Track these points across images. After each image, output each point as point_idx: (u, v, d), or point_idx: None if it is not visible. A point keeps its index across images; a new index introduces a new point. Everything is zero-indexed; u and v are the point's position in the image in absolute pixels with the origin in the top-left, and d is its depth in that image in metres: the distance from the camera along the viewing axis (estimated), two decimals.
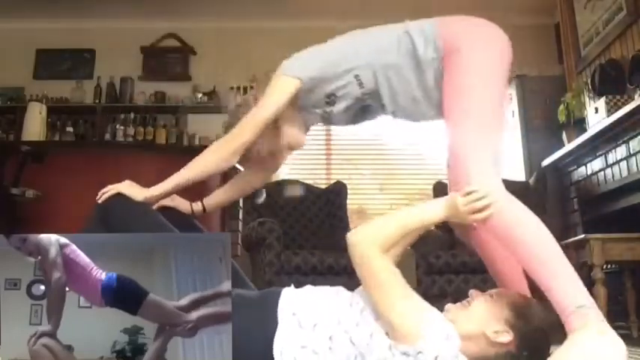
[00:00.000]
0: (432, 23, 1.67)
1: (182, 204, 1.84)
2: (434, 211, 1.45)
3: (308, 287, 1.41)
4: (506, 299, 1.36)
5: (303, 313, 1.31)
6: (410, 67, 1.64)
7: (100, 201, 1.58)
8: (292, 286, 1.42)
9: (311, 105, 1.75)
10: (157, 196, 1.65)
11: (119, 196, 1.57)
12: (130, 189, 1.60)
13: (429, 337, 1.21)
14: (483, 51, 1.59)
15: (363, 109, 1.77)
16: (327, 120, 1.81)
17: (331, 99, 1.72)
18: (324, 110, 1.75)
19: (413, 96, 1.67)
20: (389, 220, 1.43)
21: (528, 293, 1.58)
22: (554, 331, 1.31)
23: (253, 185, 1.98)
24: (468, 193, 1.42)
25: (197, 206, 1.89)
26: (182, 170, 1.68)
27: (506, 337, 1.29)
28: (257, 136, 1.66)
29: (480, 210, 1.42)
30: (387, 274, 1.31)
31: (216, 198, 1.93)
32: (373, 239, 1.34)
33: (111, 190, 1.59)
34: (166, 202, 1.77)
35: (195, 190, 1.80)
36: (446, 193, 1.60)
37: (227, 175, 2.06)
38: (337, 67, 1.67)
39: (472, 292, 1.41)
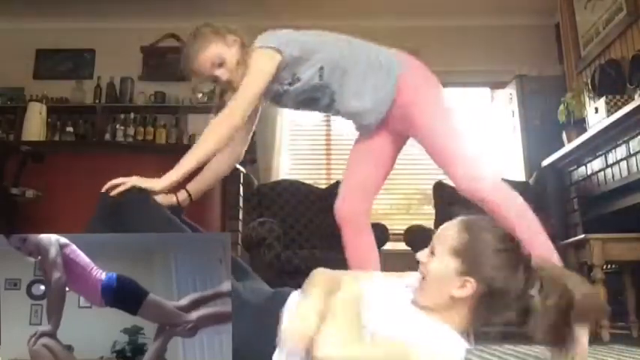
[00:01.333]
0: (397, 65, 1.93)
1: (166, 198, 1.79)
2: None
3: None
4: (446, 247, 1.25)
5: None
6: (370, 82, 1.91)
7: (113, 194, 1.51)
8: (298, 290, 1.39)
9: (274, 80, 1.85)
10: (173, 184, 1.65)
11: (131, 191, 1.52)
12: (145, 182, 1.58)
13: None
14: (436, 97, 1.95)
15: (313, 100, 1.96)
16: (278, 98, 1.96)
17: (294, 79, 1.89)
18: (282, 87, 1.90)
19: (363, 104, 1.92)
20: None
21: None
22: (517, 247, 1.25)
23: (227, 165, 2.00)
24: None
25: (182, 195, 1.86)
26: (193, 149, 1.67)
27: (469, 287, 1.21)
28: (255, 103, 1.81)
29: None
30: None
31: (197, 185, 1.91)
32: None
33: (124, 183, 1.54)
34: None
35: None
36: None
37: None
38: (312, 55, 1.87)
39: (418, 256, 1.30)
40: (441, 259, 1.26)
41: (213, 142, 1.69)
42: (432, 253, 1.28)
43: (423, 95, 1.93)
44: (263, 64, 1.79)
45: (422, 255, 1.30)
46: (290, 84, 1.90)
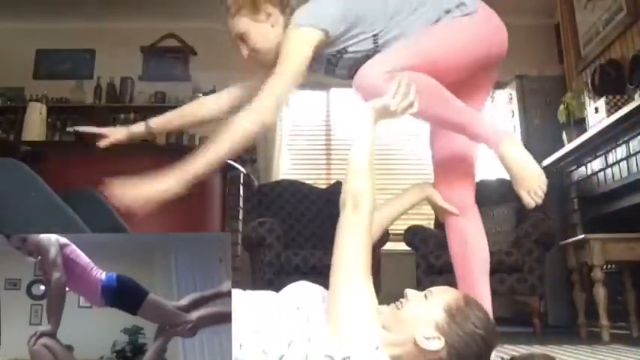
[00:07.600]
0: None
1: (116, 132, 1.72)
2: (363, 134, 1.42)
3: (258, 293, 1.34)
4: (441, 301, 1.22)
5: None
6: None
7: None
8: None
9: (317, 58, 1.62)
10: (179, 188, 1.45)
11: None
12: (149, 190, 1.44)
13: (358, 344, 1.13)
14: None
15: None
16: (330, 71, 1.71)
17: (341, 53, 1.62)
18: (329, 63, 1.66)
19: None
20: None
21: (482, 291, 1.59)
22: (494, 335, 1.21)
23: (218, 111, 1.86)
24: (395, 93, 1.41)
25: (138, 127, 1.76)
26: (212, 147, 1.45)
27: (436, 344, 1.16)
28: (290, 92, 1.56)
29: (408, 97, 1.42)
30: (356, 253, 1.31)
31: (165, 120, 1.82)
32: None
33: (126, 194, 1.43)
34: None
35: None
36: None
37: None
38: (364, 26, 1.58)
39: (407, 291, 1.27)
40: (430, 304, 1.22)
41: (242, 134, 1.46)
42: (425, 297, 1.25)
43: None
44: (296, 48, 1.52)
45: (412, 292, 1.27)
46: (338, 58, 1.63)
